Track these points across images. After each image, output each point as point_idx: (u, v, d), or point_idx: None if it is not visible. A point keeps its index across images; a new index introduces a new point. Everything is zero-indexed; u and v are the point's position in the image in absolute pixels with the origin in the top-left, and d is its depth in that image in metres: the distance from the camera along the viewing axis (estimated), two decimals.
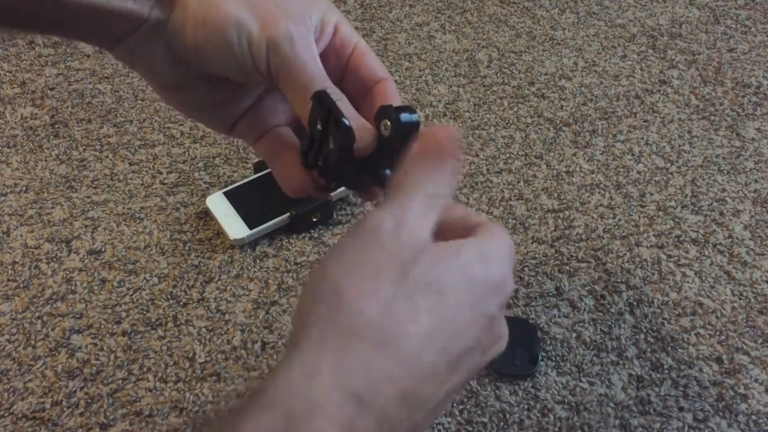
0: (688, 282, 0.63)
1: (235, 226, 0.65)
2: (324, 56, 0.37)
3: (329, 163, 0.35)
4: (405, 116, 0.33)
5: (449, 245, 0.28)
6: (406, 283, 0.26)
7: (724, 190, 0.72)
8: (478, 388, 0.56)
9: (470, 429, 0.54)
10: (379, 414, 0.23)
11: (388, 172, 0.34)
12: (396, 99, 0.37)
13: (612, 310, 0.61)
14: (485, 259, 0.28)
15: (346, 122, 0.32)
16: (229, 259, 0.65)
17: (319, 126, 0.34)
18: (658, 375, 0.57)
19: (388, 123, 0.33)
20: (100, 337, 0.59)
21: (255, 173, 0.70)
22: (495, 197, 0.71)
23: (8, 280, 0.63)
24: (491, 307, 0.28)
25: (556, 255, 0.66)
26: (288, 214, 0.65)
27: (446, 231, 0.30)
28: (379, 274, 0.26)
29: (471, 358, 0.27)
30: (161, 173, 0.73)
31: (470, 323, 0.27)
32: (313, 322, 0.25)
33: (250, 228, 0.65)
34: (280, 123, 0.41)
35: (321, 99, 0.34)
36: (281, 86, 0.35)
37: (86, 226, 0.68)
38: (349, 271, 0.26)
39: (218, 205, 0.67)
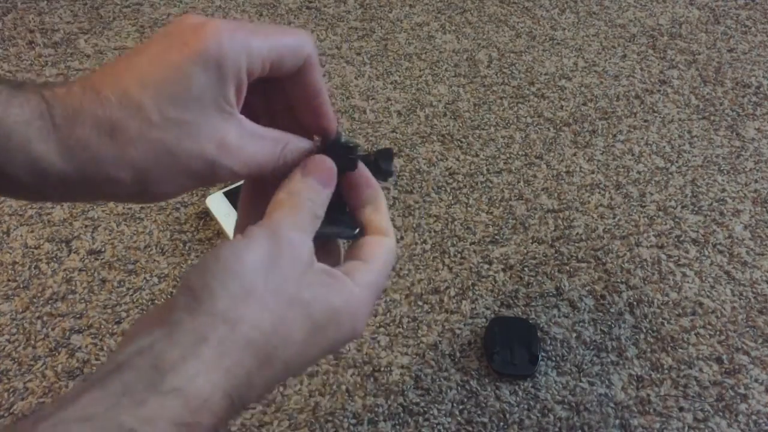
0: (688, 282, 0.63)
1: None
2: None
3: None
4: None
5: (335, 285, 0.32)
6: (294, 308, 0.30)
7: (724, 190, 0.72)
8: (478, 388, 0.56)
9: (470, 429, 0.54)
10: (238, 405, 0.28)
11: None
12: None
13: (612, 310, 0.61)
14: (354, 319, 0.32)
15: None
16: None
17: None
18: (658, 375, 0.57)
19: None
20: (100, 337, 0.59)
21: None
22: (495, 197, 0.71)
23: (8, 280, 0.63)
24: (340, 346, 0.33)
25: (556, 255, 0.66)
26: None
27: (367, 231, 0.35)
28: (281, 293, 0.30)
29: (308, 365, 0.32)
30: None
31: (320, 353, 0.32)
32: (222, 316, 0.28)
33: None
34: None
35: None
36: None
37: (86, 226, 0.68)
38: (262, 279, 0.29)
39: (218, 205, 0.67)
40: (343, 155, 0.36)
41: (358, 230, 0.36)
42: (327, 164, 0.34)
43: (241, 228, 0.35)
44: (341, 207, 0.37)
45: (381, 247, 0.35)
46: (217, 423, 0.27)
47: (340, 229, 0.36)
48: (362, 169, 0.36)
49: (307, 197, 0.33)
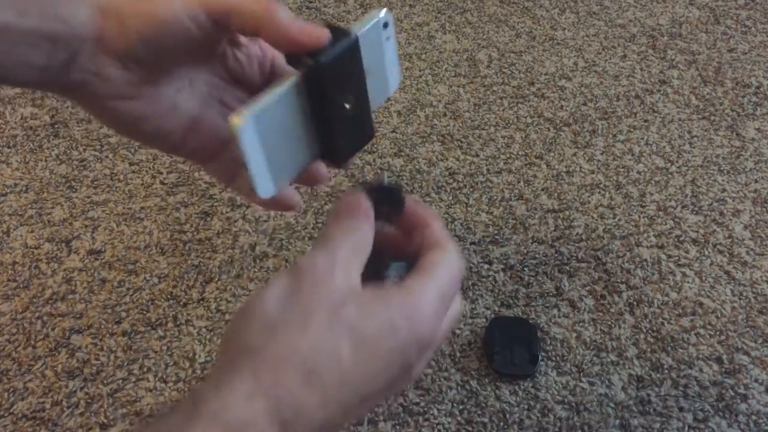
0: (688, 282, 0.63)
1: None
2: None
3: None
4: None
5: (380, 296, 0.30)
6: (333, 326, 0.29)
7: (724, 190, 0.72)
8: (478, 388, 0.56)
9: (470, 429, 0.54)
10: (295, 429, 0.28)
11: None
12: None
13: (612, 310, 0.61)
14: (411, 319, 0.30)
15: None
16: (229, 259, 0.65)
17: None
18: (658, 375, 0.57)
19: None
20: (100, 337, 0.59)
21: None
22: (495, 197, 0.71)
23: (8, 280, 0.63)
24: (410, 358, 0.30)
25: (556, 255, 0.66)
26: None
27: (412, 235, 0.34)
28: (311, 314, 0.29)
29: (380, 395, 0.31)
30: (161, 173, 0.73)
31: (385, 370, 0.30)
32: (251, 349, 0.29)
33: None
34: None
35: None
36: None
37: (86, 226, 0.68)
38: (285, 308, 0.29)
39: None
40: (389, 198, 0.35)
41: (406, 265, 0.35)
42: (358, 201, 0.33)
43: None
44: (385, 257, 0.36)
45: (436, 255, 0.33)
46: None
47: (391, 270, 0.35)
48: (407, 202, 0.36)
49: (341, 240, 0.32)
